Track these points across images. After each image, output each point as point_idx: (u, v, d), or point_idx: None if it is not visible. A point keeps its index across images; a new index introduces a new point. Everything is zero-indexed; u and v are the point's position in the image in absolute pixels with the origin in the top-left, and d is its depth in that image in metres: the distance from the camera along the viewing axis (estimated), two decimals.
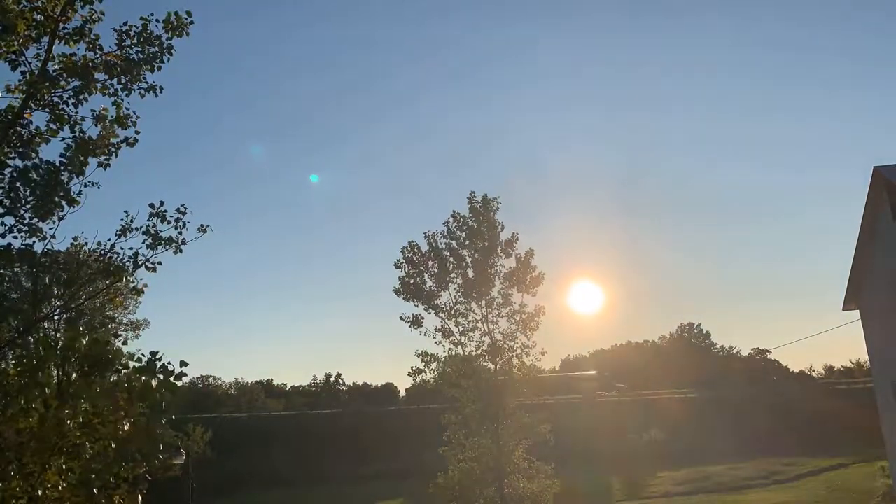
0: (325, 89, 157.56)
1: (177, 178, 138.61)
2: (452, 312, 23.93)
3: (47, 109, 7.80)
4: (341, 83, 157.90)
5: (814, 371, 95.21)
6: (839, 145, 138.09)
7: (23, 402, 6.44)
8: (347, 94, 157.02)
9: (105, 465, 6.47)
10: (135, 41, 8.07)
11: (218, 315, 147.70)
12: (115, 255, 7.87)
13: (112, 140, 7.91)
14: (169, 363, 6.21)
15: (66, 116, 7.85)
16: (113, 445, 6.47)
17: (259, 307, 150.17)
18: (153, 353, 6.26)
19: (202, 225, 7.91)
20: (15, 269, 8.72)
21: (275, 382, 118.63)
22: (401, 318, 24.22)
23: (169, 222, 7.77)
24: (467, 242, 24.17)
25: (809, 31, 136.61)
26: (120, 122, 8.02)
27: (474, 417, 23.05)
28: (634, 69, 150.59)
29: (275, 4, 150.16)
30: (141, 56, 8.13)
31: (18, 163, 7.52)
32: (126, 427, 6.46)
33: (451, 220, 24.34)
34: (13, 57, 7.61)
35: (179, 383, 6.31)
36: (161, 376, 6.13)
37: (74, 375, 6.79)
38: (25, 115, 7.64)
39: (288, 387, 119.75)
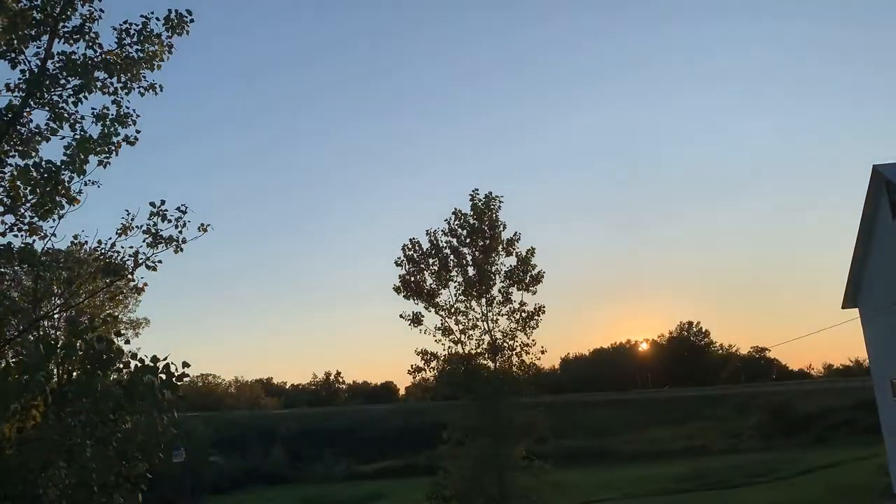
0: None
1: (176, 176, 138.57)
2: (452, 311, 23.91)
3: (47, 108, 7.80)
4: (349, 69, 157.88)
5: (813, 369, 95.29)
6: (839, 144, 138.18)
7: (23, 401, 6.44)
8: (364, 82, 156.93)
9: (106, 463, 6.47)
10: (134, 39, 8.06)
11: (218, 313, 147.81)
12: (116, 254, 7.87)
13: (113, 139, 7.91)
14: (172, 363, 6.23)
15: (66, 115, 7.84)
16: (114, 444, 6.47)
17: (259, 305, 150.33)
18: (155, 358, 6.28)
19: (202, 224, 7.92)
20: (15, 268, 8.71)
21: (274, 381, 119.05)
22: (401, 316, 24.23)
23: (169, 221, 7.77)
24: (468, 240, 24.15)
25: (809, 28, 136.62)
26: (120, 121, 8.02)
27: (474, 416, 23.06)
28: (634, 68, 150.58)
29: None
30: (141, 54, 8.12)
31: (19, 161, 7.53)
32: (127, 426, 6.47)
33: (453, 217, 24.30)
34: (13, 55, 7.60)
35: (181, 383, 6.33)
36: (163, 376, 6.14)
37: (75, 374, 6.79)
38: (25, 114, 7.63)
39: (287, 385, 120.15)
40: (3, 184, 7.41)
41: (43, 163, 7.49)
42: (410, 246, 24.46)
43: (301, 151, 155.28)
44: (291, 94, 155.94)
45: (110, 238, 7.85)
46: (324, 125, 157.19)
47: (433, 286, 24.16)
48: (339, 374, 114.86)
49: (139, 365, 6.38)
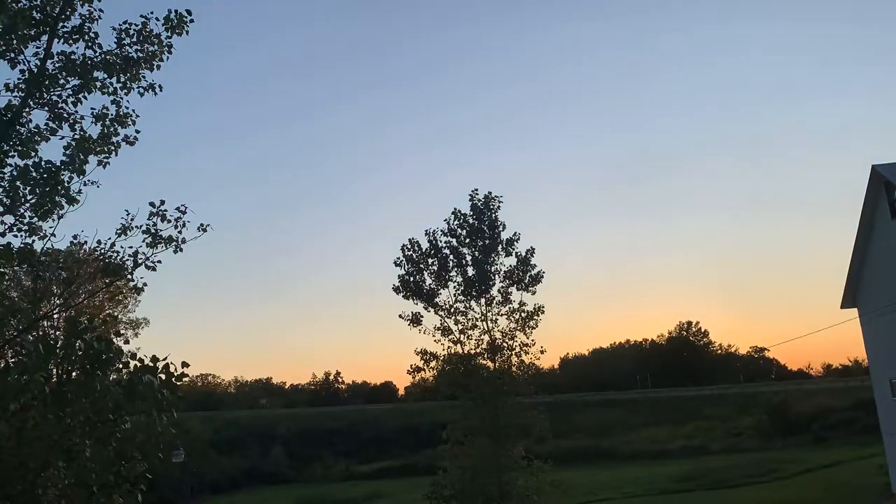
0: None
1: (177, 175, 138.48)
2: (452, 311, 23.88)
3: (47, 108, 7.79)
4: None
5: (812, 369, 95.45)
6: (838, 143, 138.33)
7: (22, 401, 6.44)
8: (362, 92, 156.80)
9: (105, 463, 6.47)
10: (134, 39, 8.05)
11: (218, 313, 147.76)
12: (115, 254, 7.86)
13: (113, 139, 7.90)
14: (171, 364, 6.23)
15: (65, 115, 7.84)
16: (113, 444, 6.47)
17: (259, 305, 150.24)
18: (155, 358, 6.28)
19: (202, 224, 7.92)
20: (15, 268, 8.70)
21: (274, 381, 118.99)
22: (400, 316, 24.20)
23: (169, 221, 7.77)
24: (468, 240, 24.11)
25: (809, 27, 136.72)
26: (120, 121, 8.01)
27: (473, 416, 23.05)
28: (634, 66, 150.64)
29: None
30: (140, 54, 8.12)
31: (19, 161, 7.52)
32: (126, 426, 6.46)
33: (452, 217, 24.26)
34: (13, 55, 7.60)
35: (180, 383, 6.33)
36: (163, 376, 6.14)
37: (75, 374, 6.78)
38: (25, 114, 7.63)
39: (287, 385, 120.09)
40: (3, 184, 7.40)
41: (43, 163, 7.48)
42: (409, 246, 24.42)
43: (300, 152, 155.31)
44: (290, 91, 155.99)
45: (110, 238, 7.85)
46: (323, 127, 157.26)
47: (432, 286, 24.12)
48: (338, 374, 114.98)
49: (139, 365, 6.38)
